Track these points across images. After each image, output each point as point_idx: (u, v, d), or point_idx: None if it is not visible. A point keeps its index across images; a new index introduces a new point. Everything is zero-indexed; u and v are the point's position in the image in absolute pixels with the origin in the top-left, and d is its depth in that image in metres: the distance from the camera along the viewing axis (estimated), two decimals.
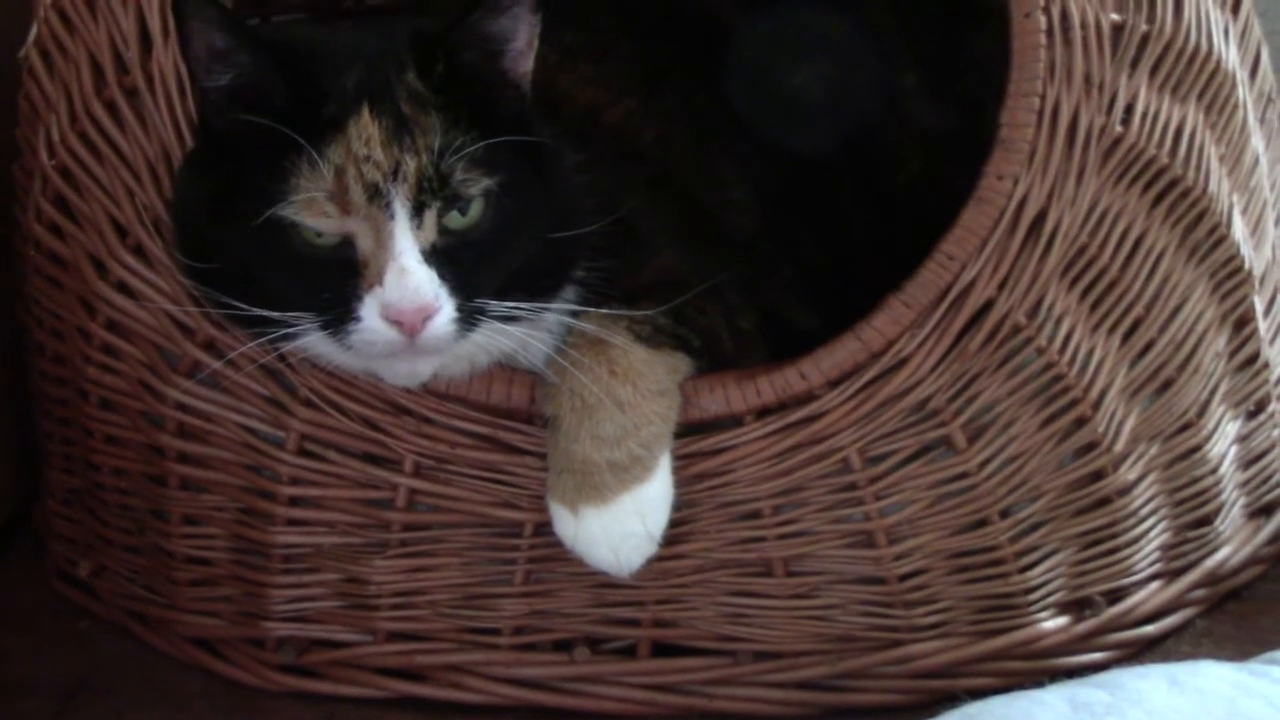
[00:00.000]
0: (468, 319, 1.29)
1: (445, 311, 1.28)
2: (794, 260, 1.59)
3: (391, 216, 1.27)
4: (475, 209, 1.30)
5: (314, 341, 1.32)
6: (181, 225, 1.36)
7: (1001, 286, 1.41)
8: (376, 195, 1.27)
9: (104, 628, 1.60)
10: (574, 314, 1.40)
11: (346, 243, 1.28)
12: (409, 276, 1.27)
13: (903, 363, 1.41)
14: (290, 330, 1.30)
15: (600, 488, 1.37)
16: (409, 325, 1.27)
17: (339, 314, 1.28)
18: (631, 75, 1.60)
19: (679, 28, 1.66)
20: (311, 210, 1.27)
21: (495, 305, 1.30)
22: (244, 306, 1.30)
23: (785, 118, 1.63)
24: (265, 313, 1.30)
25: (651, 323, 1.40)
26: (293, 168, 1.27)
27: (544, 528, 1.43)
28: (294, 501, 1.47)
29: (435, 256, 1.28)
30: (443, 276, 1.28)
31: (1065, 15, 1.39)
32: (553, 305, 1.37)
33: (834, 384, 1.41)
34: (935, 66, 1.69)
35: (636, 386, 1.37)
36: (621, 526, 1.37)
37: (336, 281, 1.28)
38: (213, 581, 1.51)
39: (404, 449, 1.43)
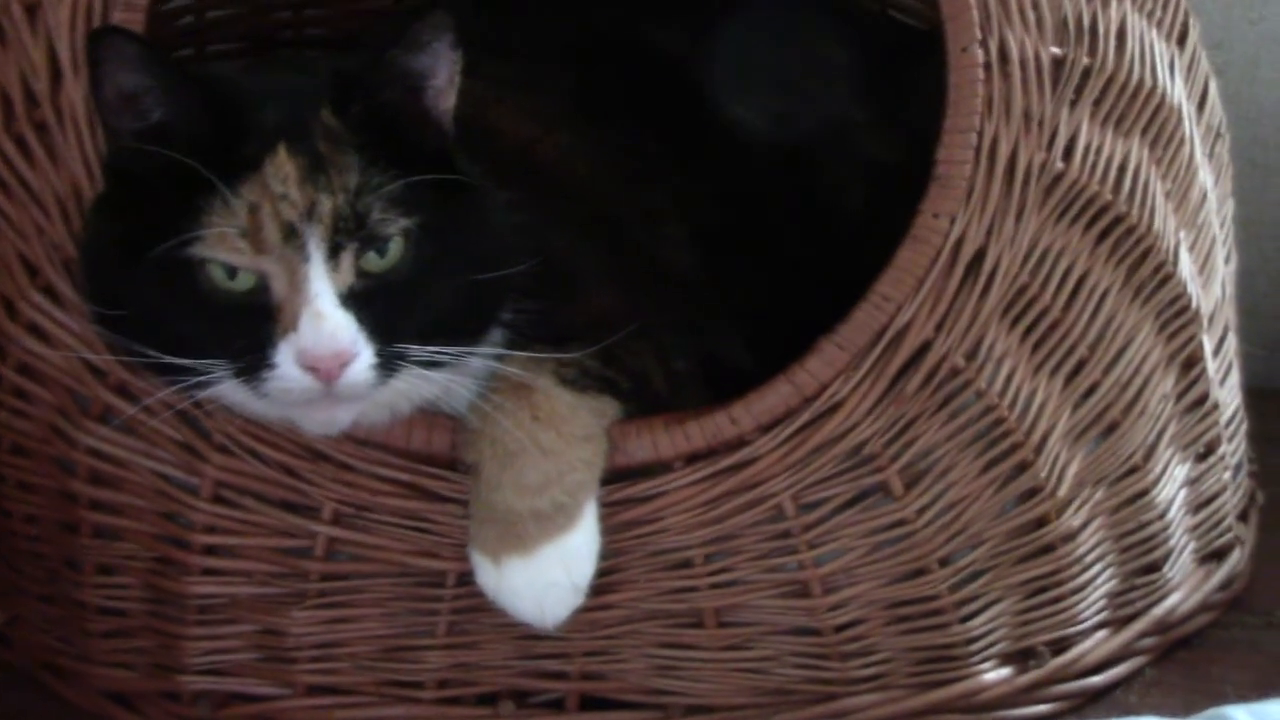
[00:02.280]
0: (387, 365, 1.25)
1: (364, 357, 1.23)
2: (733, 299, 1.54)
3: (306, 258, 1.22)
4: (394, 250, 1.25)
5: (228, 390, 1.27)
6: (90, 271, 1.31)
7: (939, 328, 1.36)
8: (292, 235, 1.22)
9: (17, 679, 1.55)
10: (500, 358, 1.35)
11: (261, 286, 1.23)
12: (325, 321, 1.22)
13: (837, 407, 1.36)
14: (203, 378, 1.25)
15: (523, 537, 1.32)
16: (325, 372, 1.22)
17: (253, 361, 1.23)
18: (565, 108, 1.56)
19: (617, 58, 1.61)
20: (223, 247, 1.22)
21: (417, 350, 1.26)
22: (155, 354, 1.25)
23: (726, 151, 1.59)
24: (177, 360, 1.25)
25: (578, 365, 1.35)
26: (206, 205, 1.23)
27: (467, 577, 1.38)
28: (209, 550, 1.42)
29: (353, 300, 1.23)
30: (361, 321, 1.23)
31: (1004, 49, 1.35)
32: (478, 350, 1.32)
33: (766, 429, 1.37)
34: (884, 99, 1.65)
35: (560, 432, 1.32)
36: (545, 577, 1.33)
37: (250, 327, 1.23)
38: (127, 633, 1.46)
39: (322, 496, 1.38)
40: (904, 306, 1.35)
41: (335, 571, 1.41)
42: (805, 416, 1.36)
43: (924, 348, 1.36)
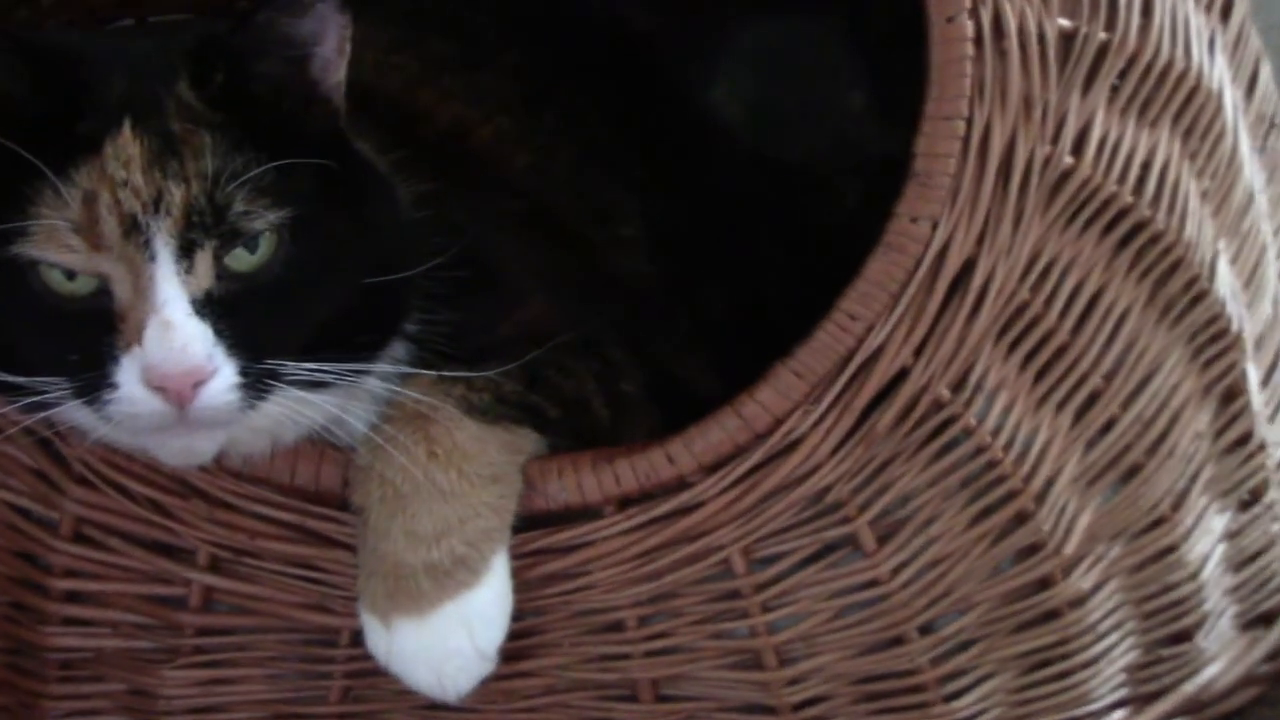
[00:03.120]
0: (256, 385, 1.05)
1: (223, 375, 1.04)
2: (700, 312, 1.33)
3: (151, 257, 1.03)
4: (264, 248, 1.06)
5: (71, 412, 1.07)
6: None
7: (918, 353, 1.14)
8: (134, 229, 1.03)
9: None
10: (402, 379, 1.14)
11: (101, 290, 1.04)
12: (173, 332, 1.03)
13: (794, 445, 1.15)
14: (40, 399, 1.06)
15: (416, 595, 1.12)
16: (176, 392, 1.03)
17: (93, 379, 1.04)
18: (510, 89, 1.35)
19: (573, 33, 1.41)
20: (53, 244, 1.03)
21: (293, 368, 1.06)
22: None
23: (695, 141, 1.38)
24: (9, 378, 1.06)
25: (493, 389, 1.15)
26: (35, 195, 1.04)
27: (363, 636, 1.18)
28: (70, 597, 1.23)
29: (211, 307, 1.04)
30: (220, 332, 1.04)
31: (999, 20, 1.13)
32: (372, 367, 1.12)
33: (709, 470, 1.16)
34: (888, 83, 1.42)
35: (462, 471, 1.12)
36: (444, 642, 1.12)
37: (90, 339, 1.04)
38: None
39: (196, 538, 1.19)
40: (875, 327, 1.14)
41: (213, 625, 1.22)
42: (756, 456, 1.15)
43: (900, 376, 1.15)
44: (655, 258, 1.33)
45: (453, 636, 1.12)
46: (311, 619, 1.20)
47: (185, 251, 1.03)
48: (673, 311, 1.32)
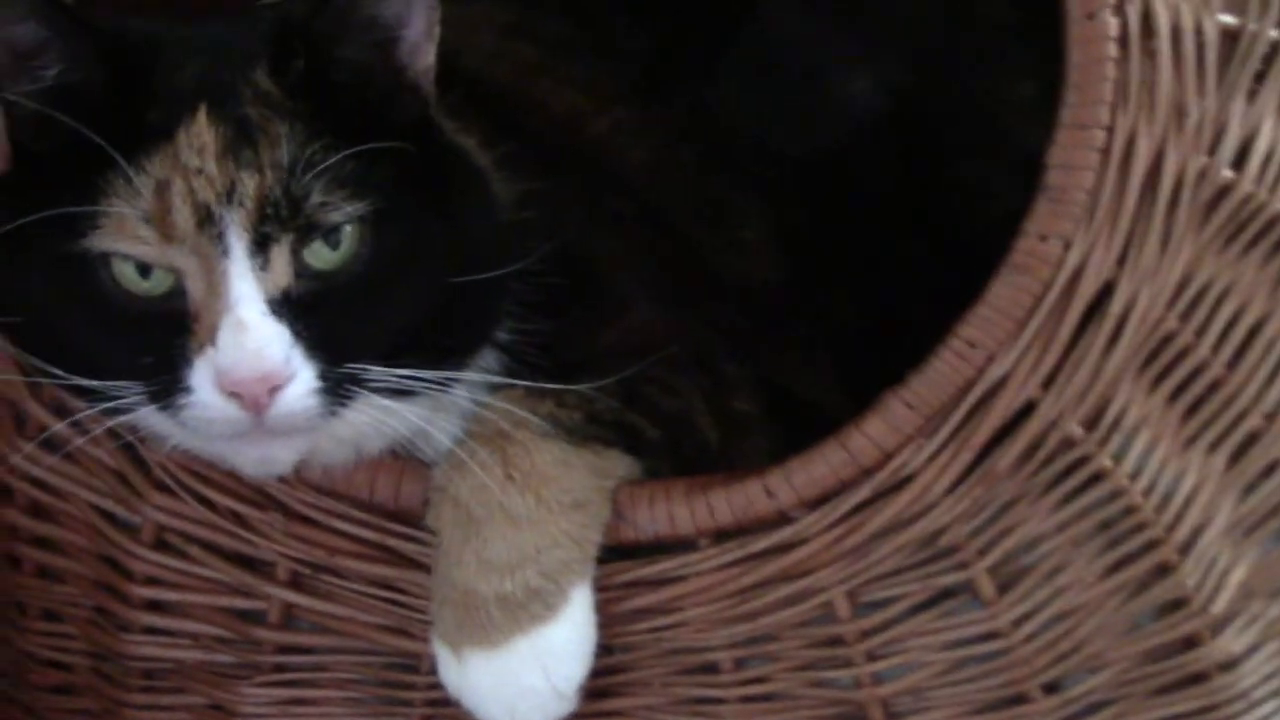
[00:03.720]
0: (336, 391, 0.99)
1: (301, 380, 0.98)
2: (822, 320, 1.22)
3: (225, 251, 0.97)
4: (346, 244, 0.99)
5: (146, 417, 1.02)
6: None
7: (1047, 385, 1.03)
8: (208, 221, 0.97)
9: None
10: (494, 390, 1.07)
11: (176, 290, 0.99)
12: (248, 334, 0.97)
13: (905, 483, 1.05)
14: (114, 404, 1.01)
15: (488, 627, 1.04)
16: (251, 398, 0.97)
17: (166, 383, 0.99)
18: (631, 78, 1.26)
19: (703, 16, 1.31)
20: (124, 235, 0.98)
21: (377, 373, 0.99)
22: (57, 372, 1.02)
23: (832, 138, 1.27)
24: (82, 382, 1.01)
25: (585, 407, 1.06)
26: (107, 186, 0.98)
27: None
28: (151, 605, 1.18)
29: (289, 307, 0.98)
30: (298, 333, 0.98)
31: (1148, 17, 1.01)
32: (463, 376, 1.05)
33: (812, 505, 1.06)
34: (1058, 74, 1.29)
35: (540, 496, 1.04)
36: (517, 678, 1.05)
37: (163, 342, 0.99)
38: (72, 690, 1.23)
39: (276, 552, 1.13)
40: (998, 356, 1.03)
41: (293, 643, 1.16)
42: (863, 493, 1.05)
43: (1026, 410, 1.04)
44: (780, 263, 1.23)
45: (526, 673, 1.04)
46: (391, 642, 1.13)
47: (260, 246, 0.97)
48: (796, 322, 1.22)
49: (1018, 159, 1.24)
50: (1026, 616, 1.07)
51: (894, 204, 1.27)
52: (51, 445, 1.16)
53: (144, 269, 0.98)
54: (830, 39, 1.29)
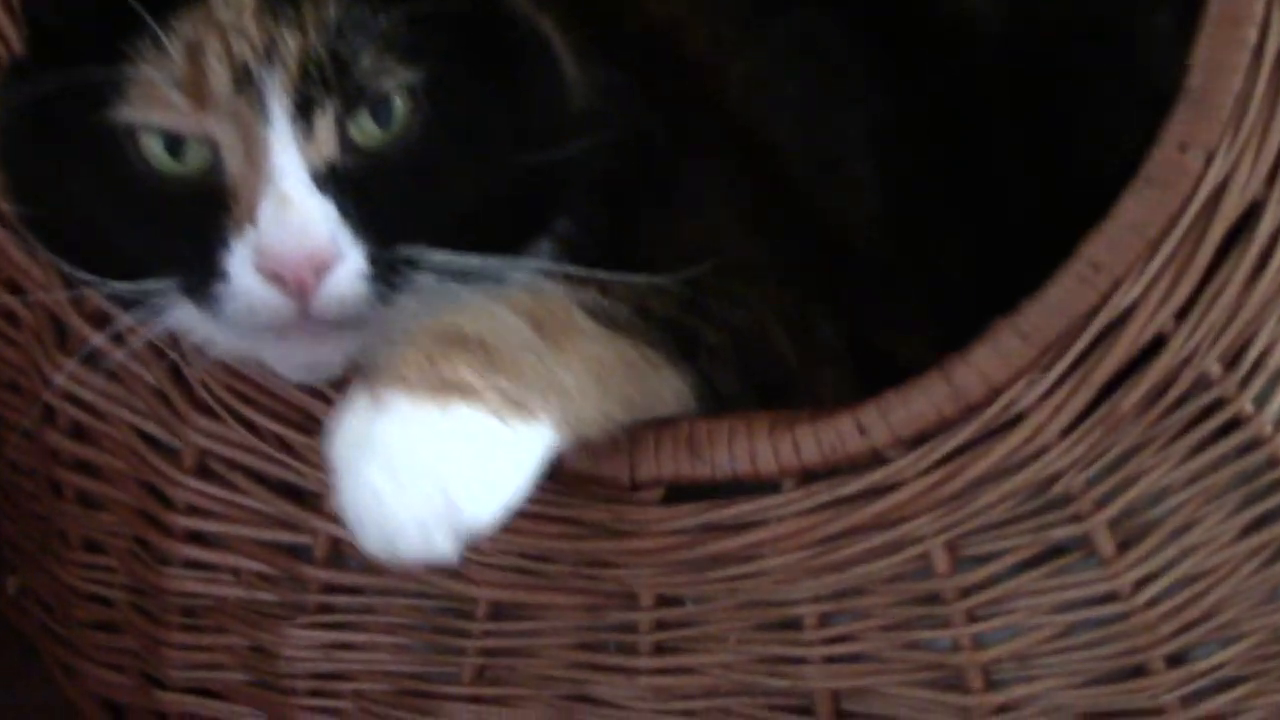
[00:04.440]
0: (388, 275, 0.89)
1: (350, 263, 0.88)
2: (921, 275, 1.10)
3: (266, 118, 0.88)
4: (398, 117, 0.90)
5: (186, 317, 0.93)
6: (5, 157, 0.98)
7: (1181, 317, 0.91)
8: (246, 83, 0.88)
9: (28, 658, 1.26)
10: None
11: (213, 166, 0.90)
12: (291, 209, 0.87)
13: (1015, 422, 0.93)
14: (148, 300, 0.92)
15: (445, 378, 0.86)
16: (295, 280, 0.87)
17: (203, 271, 0.90)
18: None
19: None
20: (154, 103, 0.89)
21: (433, 256, 0.89)
22: (79, 270, 0.94)
23: (943, 56, 1.15)
24: (117, 288, 0.93)
25: (634, 300, 0.94)
26: (134, 51, 0.89)
27: (502, 609, 1.02)
28: (192, 537, 1.09)
29: (336, 182, 0.89)
30: (346, 211, 0.88)
31: None
32: (521, 263, 0.94)
33: (910, 445, 0.95)
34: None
35: (560, 346, 0.90)
36: (423, 446, 0.85)
37: (199, 226, 0.90)
38: (113, 627, 1.15)
39: (321, 480, 1.03)
40: (1126, 281, 0.91)
41: (340, 582, 1.07)
42: (968, 432, 0.93)
43: (1156, 344, 0.92)
44: (882, 207, 1.11)
45: (457, 448, 0.86)
46: (445, 584, 1.04)
47: (303, 111, 0.88)
48: (893, 274, 1.10)
49: (1146, 94, 1.12)
50: (1150, 578, 0.95)
51: (1007, 143, 1.14)
52: (94, 363, 1.07)
53: (175, 146, 0.89)
54: None
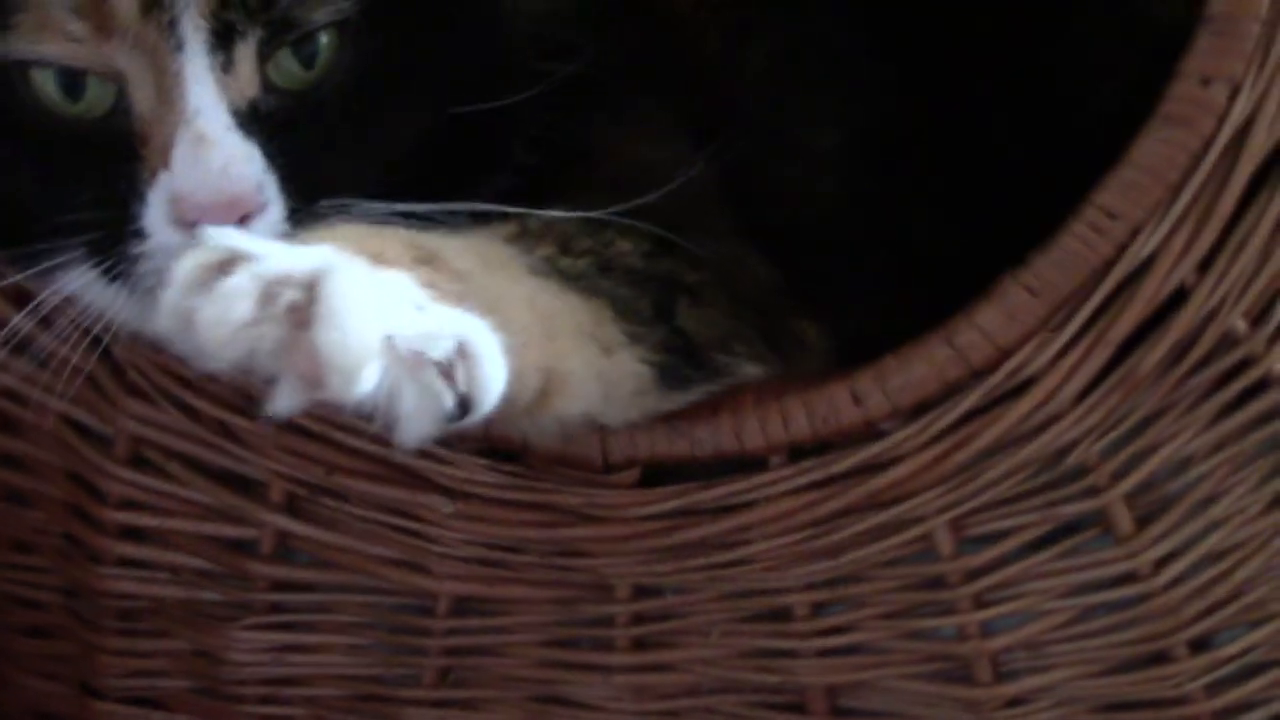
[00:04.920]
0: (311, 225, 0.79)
1: (272, 214, 0.80)
2: (896, 245, 1.02)
3: (178, 45, 0.78)
4: (325, 53, 0.81)
5: (91, 288, 0.84)
6: None
7: (1205, 268, 0.84)
8: (156, 6, 0.78)
9: None
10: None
11: (119, 109, 0.80)
12: (210, 149, 0.79)
13: (1025, 387, 0.86)
14: (50, 264, 0.83)
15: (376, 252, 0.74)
16: (217, 221, 0.78)
17: (113, 228, 0.81)
18: None
19: None
20: (47, 33, 0.79)
21: (363, 208, 0.80)
22: None
23: (917, 28, 1.07)
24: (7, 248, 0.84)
25: (598, 252, 0.85)
26: None
27: (466, 605, 0.94)
28: (127, 533, 1.00)
29: (257, 123, 0.80)
30: (270, 158, 0.79)
31: None
32: (460, 206, 0.83)
33: (910, 415, 0.87)
34: None
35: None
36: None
37: (105, 173, 0.81)
38: (46, 632, 1.06)
39: (267, 468, 0.95)
40: (1144, 230, 0.83)
41: (289, 579, 0.98)
42: (973, 400, 0.86)
43: (1177, 298, 0.84)
44: (853, 178, 1.02)
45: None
46: (403, 579, 0.95)
47: (222, 41, 0.79)
48: (864, 254, 1.01)
49: (1136, 27, 1.05)
50: (1172, 556, 0.88)
51: (980, 93, 1.06)
52: (14, 346, 0.98)
53: (73, 84, 0.80)
54: None
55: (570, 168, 0.87)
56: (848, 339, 0.94)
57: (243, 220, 0.78)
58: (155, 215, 0.79)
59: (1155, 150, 0.82)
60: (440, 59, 0.84)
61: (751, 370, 0.87)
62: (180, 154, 0.78)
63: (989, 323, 0.85)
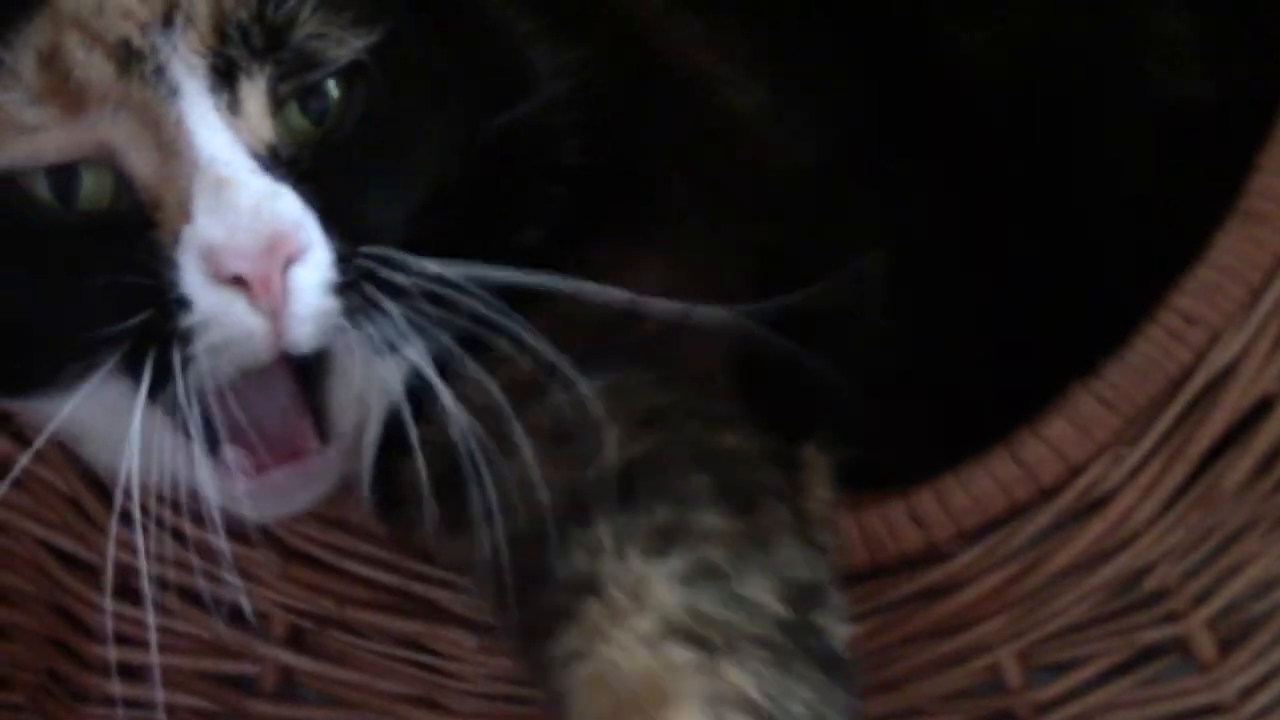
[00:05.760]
0: (358, 279, 0.71)
1: (318, 253, 0.70)
2: (924, 368, 0.96)
3: (173, 92, 0.70)
4: (335, 107, 0.73)
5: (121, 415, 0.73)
6: None
7: None
8: (135, 59, 0.70)
9: None
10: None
11: (120, 189, 0.71)
12: (236, 189, 0.69)
13: (1098, 506, 0.81)
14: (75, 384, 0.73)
15: None
16: (261, 278, 0.69)
17: (158, 314, 0.70)
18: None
19: None
20: (10, 135, 0.71)
21: (404, 260, 0.71)
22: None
23: (936, 110, 1.01)
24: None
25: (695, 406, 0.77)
26: None
27: None
28: (116, 670, 0.93)
29: (282, 166, 0.71)
30: (304, 196, 0.71)
31: None
32: (505, 276, 0.74)
33: (973, 537, 0.81)
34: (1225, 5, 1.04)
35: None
36: None
37: (131, 267, 0.71)
38: None
39: (270, 599, 0.88)
40: (1225, 335, 0.78)
41: (293, 718, 0.91)
42: (1042, 520, 0.81)
43: (1262, 408, 0.79)
44: (891, 292, 0.96)
45: None
46: (418, 716, 0.88)
47: (224, 79, 0.71)
48: (907, 368, 0.95)
49: (1155, 111, 1.00)
50: (1258, 685, 0.84)
51: (1001, 178, 1.01)
52: None
53: (64, 181, 0.71)
54: None
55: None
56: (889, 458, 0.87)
57: (287, 265, 0.70)
58: (192, 278, 0.70)
59: (1235, 249, 0.77)
60: (454, 86, 0.76)
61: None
62: (203, 202, 0.69)
63: (1058, 436, 0.79)
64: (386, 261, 0.71)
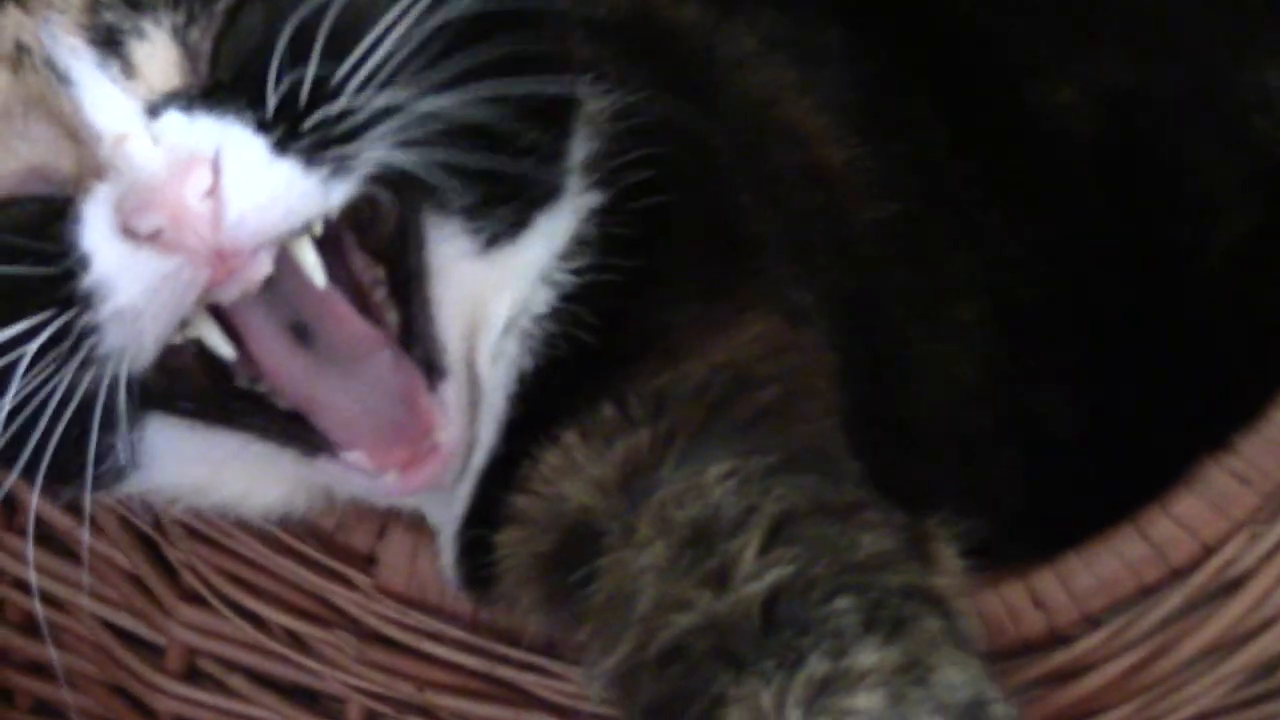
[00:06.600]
0: (303, 135, 0.66)
1: (239, 148, 0.65)
2: (1034, 431, 0.91)
3: (64, 77, 0.67)
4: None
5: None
6: None
7: None
8: (23, 56, 0.68)
9: None
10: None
11: (54, 200, 0.67)
12: (134, 139, 0.65)
13: (1234, 587, 0.75)
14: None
15: None
16: (173, 214, 0.64)
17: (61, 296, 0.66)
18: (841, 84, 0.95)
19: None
20: None
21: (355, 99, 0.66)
22: None
23: (1037, 167, 0.97)
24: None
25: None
26: None
27: None
28: None
29: (184, 97, 0.67)
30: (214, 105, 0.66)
31: None
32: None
33: (1099, 620, 0.76)
34: None
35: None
36: None
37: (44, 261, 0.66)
38: None
39: (345, 684, 0.84)
40: None
41: None
42: (1174, 602, 0.76)
43: None
44: (988, 359, 0.92)
45: None
46: None
47: (109, 46, 0.67)
48: (1007, 445, 0.90)
49: (1253, 168, 0.96)
50: None
51: (1100, 234, 0.96)
52: (52, 543, 0.88)
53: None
54: (1016, 31, 1.00)
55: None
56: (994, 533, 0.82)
57: (212, 183, 0.65)
58: (97, 231, 0.65)
59: None
60: None
61: None
62: (105, 174, 0.66)
63: (1190, 514, 0.75)
64: (331, 101, 0.65)
